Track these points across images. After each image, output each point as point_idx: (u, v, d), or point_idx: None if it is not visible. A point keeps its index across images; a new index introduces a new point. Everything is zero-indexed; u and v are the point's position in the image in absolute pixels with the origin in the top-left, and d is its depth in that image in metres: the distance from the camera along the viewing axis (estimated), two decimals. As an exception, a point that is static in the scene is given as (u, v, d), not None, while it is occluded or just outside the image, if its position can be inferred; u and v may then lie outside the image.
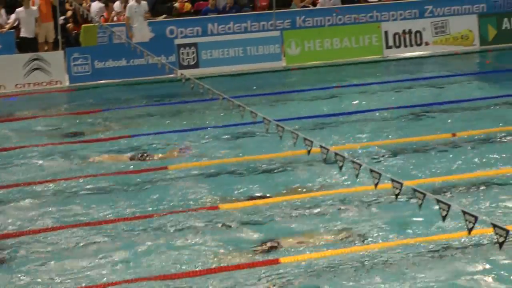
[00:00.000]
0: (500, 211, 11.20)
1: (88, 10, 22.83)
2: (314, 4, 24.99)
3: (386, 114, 16.75)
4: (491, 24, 24.54)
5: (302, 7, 24.71)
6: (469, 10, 25.47)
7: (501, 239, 6.41)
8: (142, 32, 22.56)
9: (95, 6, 23.86)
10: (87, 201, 11.91)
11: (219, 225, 10.86)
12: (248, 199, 11.94)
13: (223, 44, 22.93)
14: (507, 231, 6.43)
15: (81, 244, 10.30)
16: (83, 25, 23.08)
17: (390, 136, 15.10)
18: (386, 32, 23.81)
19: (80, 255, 10.00)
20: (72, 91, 21.38)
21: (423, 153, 14.06)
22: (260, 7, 25.10)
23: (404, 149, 14.32)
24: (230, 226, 10.85)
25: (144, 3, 22.81)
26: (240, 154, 14.28)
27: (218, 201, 11.88)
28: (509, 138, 14.68)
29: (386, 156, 13.94)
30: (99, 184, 12.71)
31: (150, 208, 11.57)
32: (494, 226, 6.55)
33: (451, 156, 13.81)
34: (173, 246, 10.15)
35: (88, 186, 12.61)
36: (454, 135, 14.93)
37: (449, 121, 16.05)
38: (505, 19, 24.65)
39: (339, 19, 24.51)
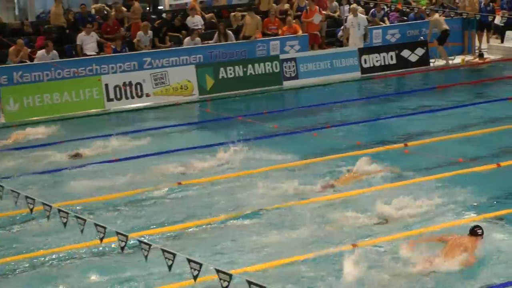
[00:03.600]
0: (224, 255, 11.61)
1: None
2: (31, 59, 24.53)
3: (104, 167, 16.70)
4: (209, 74, 25.26)
5: (19, 62, 24.18)
6: (187, 61, 26.08)
7: (225, 284, 6.59)
8: None
9: None
10: None
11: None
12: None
13: None
14: (230, 275, 6.62)
15: None
16: None
17: (116, 190, 15.11)
18: (106, 85, 23.79)
19: None
20: None
21: (146, 203, 14.25)
22: (-27, 63, 24.33)
23: (132, 201, 14.43)
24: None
25: None
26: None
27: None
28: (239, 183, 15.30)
29: (111, 209, 13.99)
30: None
31: None
32: (218, 271, 6.72)
33: (178, 204, 14.10)
34: None
35: None
36: (179, 183, 15.24)
37: (171, 168, 16.31)
38: (222, 69, 25.48)
39: (58, 74, 24.21)
